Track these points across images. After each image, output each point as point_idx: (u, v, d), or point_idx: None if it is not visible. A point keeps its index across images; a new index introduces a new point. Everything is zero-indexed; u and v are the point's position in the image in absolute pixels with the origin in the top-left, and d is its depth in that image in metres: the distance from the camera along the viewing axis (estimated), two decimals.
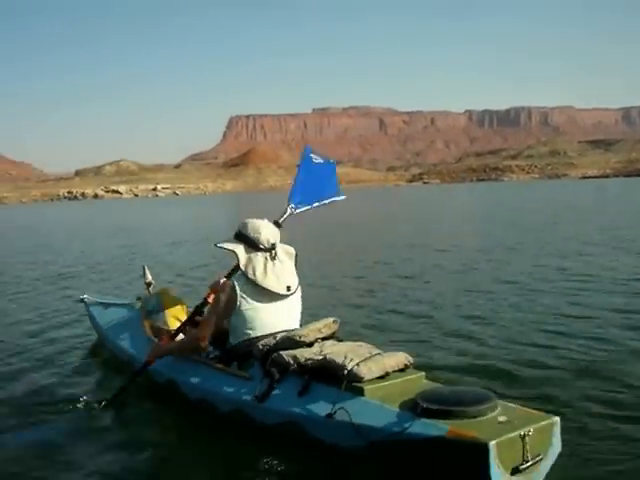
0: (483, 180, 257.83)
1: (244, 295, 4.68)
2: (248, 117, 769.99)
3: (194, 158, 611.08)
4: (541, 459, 3.55)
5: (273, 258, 4.82)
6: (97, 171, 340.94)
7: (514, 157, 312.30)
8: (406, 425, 3.53)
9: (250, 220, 4.94)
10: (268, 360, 4.32)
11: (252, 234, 4.83)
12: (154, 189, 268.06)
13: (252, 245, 4.81)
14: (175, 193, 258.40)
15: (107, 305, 7.04)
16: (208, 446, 4.39)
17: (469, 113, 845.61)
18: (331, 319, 4.71)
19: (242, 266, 4.73)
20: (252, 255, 4.77)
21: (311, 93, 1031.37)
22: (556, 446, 3.71)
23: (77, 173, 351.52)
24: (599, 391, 5.09)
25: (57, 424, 4.82)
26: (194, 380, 4.83)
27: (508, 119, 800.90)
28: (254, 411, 4.31)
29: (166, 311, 5.88)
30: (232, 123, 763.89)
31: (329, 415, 3.84)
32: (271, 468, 3.94)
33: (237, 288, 4.68)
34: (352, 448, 3.79)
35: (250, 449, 4.22)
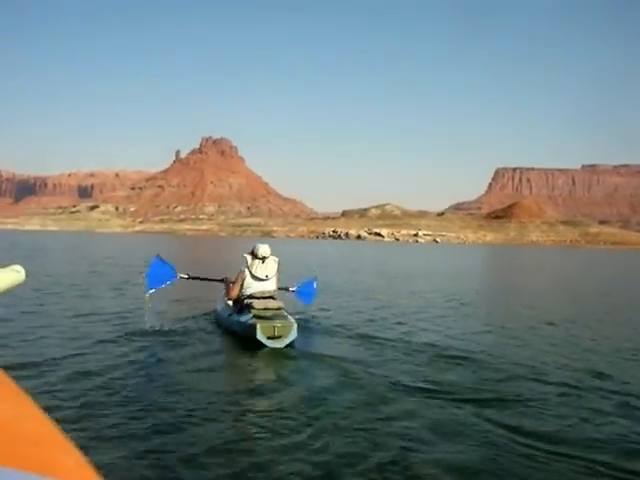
0: None
1: (247, 277, 10.47)
2: (515, 170, 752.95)
3: (457, 207, 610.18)
4: (283, 337, 9.27)
5: (263, 262, 10.55)
6: (362, 213, 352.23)
7: None
8: (248, 320, 9.56)
9: (256, 244, 10.86)
10: (239, 302, 10.44)
11: (255, 250, 10.65)
12: (415, 235, 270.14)
13: (254, 255, 10.61)
14: (435, 240, 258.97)
15: None
16: (220, 338, 10.38)
17: None
18: (274, 288, 10.56)
19: (248, 265, 10.51)
20: (254, 260, 10.55)
21: (580, 148, 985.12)
22: (293, 334, 9.30)
23: (343, 214, 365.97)
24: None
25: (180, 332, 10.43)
26: (223, 312, 11.16)
27: None
28: (227, 320, 10.69)
29: None
30: (498, 175, 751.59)
31: (236, 319, 10.10)
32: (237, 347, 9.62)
33: (245, 274, 10.48)
34: (237, 329, 9.99)
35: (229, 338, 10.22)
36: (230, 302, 10.96)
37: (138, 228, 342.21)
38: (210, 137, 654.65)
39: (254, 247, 10.63)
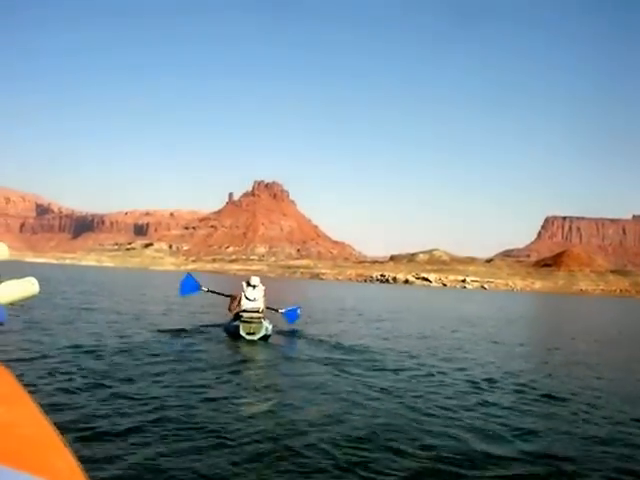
0: None
1: (242, 298, 16.63)
2: (564, 218, 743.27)
3: (506, 254, 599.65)
4: (256, 333, 15.74)
5: (254, 289, 16.77)
6: (411, 258, 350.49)
7: None
8: (237, 324, 15.99)
9: (251, 276, 17.44)
10: (237, 315, 16.46)
11: (249, 280, 17.05)
12: (463, 281, 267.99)
13: (248, 283, 16.92)
14: (483, 287, 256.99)
15: None
16: (218, 338, 16.09)
17: None
18: (259, 306, 16.47)
19: (244, 290, 16.77)
20: (247, 287, 16.82)
21: (632, 198, 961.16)
22: (263, 332, 15.85)
23: (392, 258, 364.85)
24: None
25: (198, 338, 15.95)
26: (226, 321, 17.23)
27: None
28: (228, 325, 16.80)
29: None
30: (548, 223, 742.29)
31: (232, 324, 16.47)
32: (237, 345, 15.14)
33: (242, 296, 16.67)
34: (232, 330, 16.31)
35: (231, 340, 15.87)
36: (232, 316, 16.99)
37: (190, 267, 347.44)
38: (262, 181, 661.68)
39: (248, 278, 17.28)
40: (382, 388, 10.41)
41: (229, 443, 6.65)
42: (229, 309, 16.90)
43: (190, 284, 18.21)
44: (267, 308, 17.11)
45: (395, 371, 12.44)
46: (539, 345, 22.11)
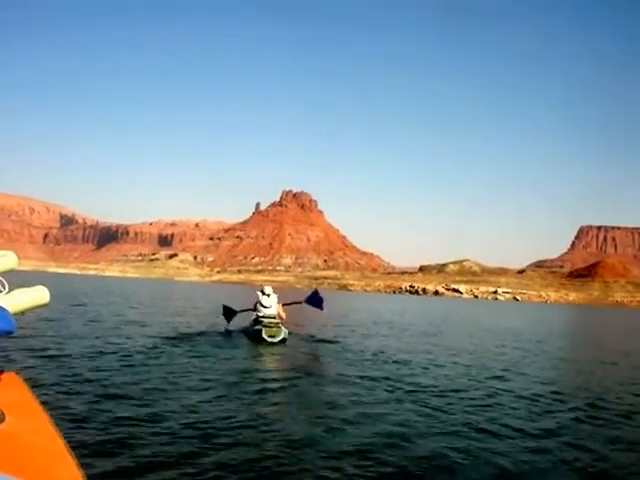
0: None
1: (258, 305, 18.26)
2: (599, 228, 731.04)
3: (538, 265, 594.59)
4: (276, 336, 17.06)
5: (268, 296, 18.33)
6: (440, 268, 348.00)
7: None
8: (259, 328, 17.26)
9: (264, 286, 19.13)
10: (257, 320, 17.97)
11: (263, 289, 18.61)
12: (494, 292, 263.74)
13: (262, 292, 18.46)
14: (515, 298, 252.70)
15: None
16: (243, 340, 17.51)
17: None
18: (275, 312, 18.09)
19: (259, 298, 18.31)
20: (262, 296, 18.35)
21: None
22: (282, 335, 17.17)
23: (421, 269, 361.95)
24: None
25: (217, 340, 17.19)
26: (248, 326, 18.43)
27: None
28: (250, 329, 18.06)
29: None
30: (582, 233, 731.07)
31: (253, 328, 17.73)
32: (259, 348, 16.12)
33: (258, 304, 18.25)
34: (253, 333, 17.45)
35: (254, 344, 16.85)
36: (252, 321, 18.44)
37: (215, 278, 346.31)
38: (290, 190, 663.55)
39: (262, 287, 18.81)
40: (435, 407, 9.43)
41: (245, 453, 6.46)
42: (253, 309, 18.69)
43: (230, 314, 20.29)
44: (286, 304, 19.11)
45: (431, 386, 11.39)
46: (595, 360, 20.39)
